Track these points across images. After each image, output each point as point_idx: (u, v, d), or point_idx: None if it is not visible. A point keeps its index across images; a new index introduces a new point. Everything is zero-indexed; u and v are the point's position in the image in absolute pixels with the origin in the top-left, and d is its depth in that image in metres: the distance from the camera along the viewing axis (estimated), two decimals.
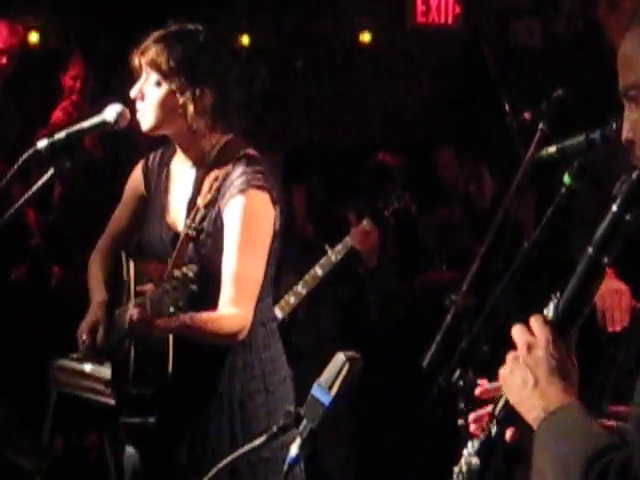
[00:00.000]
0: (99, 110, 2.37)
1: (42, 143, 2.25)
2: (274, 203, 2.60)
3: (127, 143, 4.23)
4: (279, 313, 3.35)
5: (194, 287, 2.40)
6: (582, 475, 1.13)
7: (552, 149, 2.20)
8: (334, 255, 3.62)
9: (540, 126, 2.40)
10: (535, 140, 2.40)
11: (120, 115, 2.34)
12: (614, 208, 1.25)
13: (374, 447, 4.13)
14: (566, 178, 1.90)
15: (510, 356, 1.30)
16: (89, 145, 4.05)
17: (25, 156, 2.26)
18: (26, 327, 4.19)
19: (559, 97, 1.93)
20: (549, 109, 2.39)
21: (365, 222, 3.75)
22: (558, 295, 1.31)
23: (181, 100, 2.55)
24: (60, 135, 2.27)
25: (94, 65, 4.80)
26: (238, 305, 2.47)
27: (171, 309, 2.36)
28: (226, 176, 2.57)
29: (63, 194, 4.60)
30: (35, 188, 2.26)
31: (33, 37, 4.83)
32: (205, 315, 2.49)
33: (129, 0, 5.39)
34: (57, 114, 4.79)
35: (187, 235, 2.53)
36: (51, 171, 2.26)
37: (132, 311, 2.38)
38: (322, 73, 6.58)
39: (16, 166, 2.24)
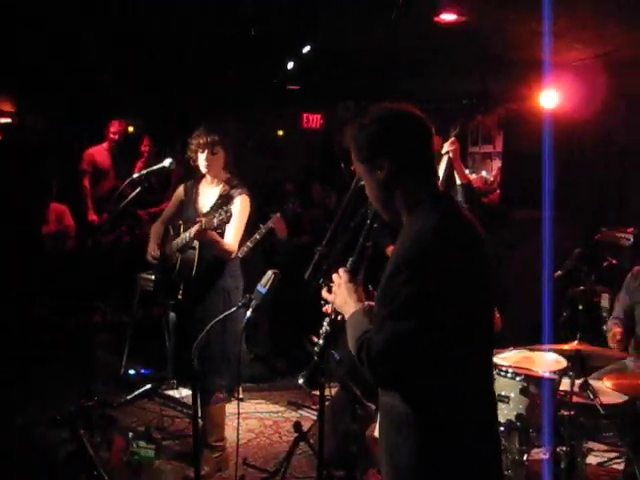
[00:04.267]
0: (160, 162, 4.44)
1: (135, 175, 4.60)
2: (251, 200, 4.40)
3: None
4: (240, 254, 4.69)
5: (222, 219, 4.03)
6: (355, 345, 2.13)
7: (362, 182, 3.19)
8: (264, 229, 5.42)
9: None
10: (355, 179, 3.42)
11: (171, 163, 4.38)
12: (368, 221, 2.44)
13: (284, 324, 6.62)
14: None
15: (333, 289, 2.36)
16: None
17: (127, 181, 4.61)
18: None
19: None
20: None
21: (278, 214, 5.68)
22: (352, 258, 2.41)
23: (225, 158, 4.35)
24: (143, 172, 4.57)
25: (156, 142, 7.67)
26: (232, 242, 4.29)
27: (215, 222, 4.02)
28: (231, 188, 4.36)
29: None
30: (130, 198, 4.59)
31: (130, 128, 7.81)
32: (222, 240, 4.25)
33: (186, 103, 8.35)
34: (138, 165, 7.43)
35: (215, 212, 4.10)
36: (139, 188, 4.55)
37: (196, 227, 4.11)
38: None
39: (124, 185, 4.68)
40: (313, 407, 5.40)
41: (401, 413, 2.14)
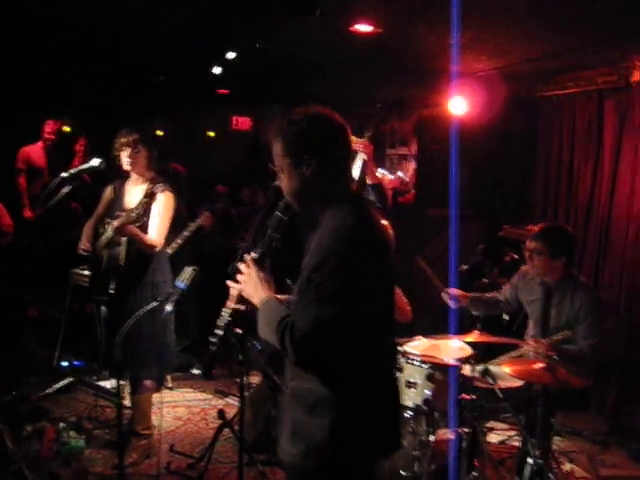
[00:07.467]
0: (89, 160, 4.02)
1: (64, 174, 3.83)
2: (175, 196, 4.31)
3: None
4: (169, 250, 4.85)
5: (139, 212, 4.13)
6: (276, 328, 2.12)
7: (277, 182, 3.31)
8: (193, 226, 5.51)
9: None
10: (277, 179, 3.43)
11: (101, 163, 3.90)
12: (277, 213, 2.40)
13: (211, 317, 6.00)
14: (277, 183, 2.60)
15: (241, 277, 2.35)
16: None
17: (57, 180, 3.82)
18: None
19: None
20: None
21: (207, 212, 5.81)
22: (258, 248, 2.39)
23: (148, 156, 4.27)
24: (72, 171, 3.86)
25: (90, 141, 7.52)
26: (155, 236, 4.18)
27: (133, 215, 4.09)
28: (154, 185, 4.27)
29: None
30: (59, 197, 3.87)
31: (66, 128, 7.62)
32: (144, 234, 4.14)
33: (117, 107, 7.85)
34: (74, 164, 7.23)
35: (134, 207, 4.20)
36: (68, 187, 3.87)
37: (115, 222, 4.06)
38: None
39: (52, 185, 3.81)
40: (238, 395, 5.35)
41: (318, 394, 2.19)
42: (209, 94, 8.54)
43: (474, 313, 4.41)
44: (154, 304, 3.28)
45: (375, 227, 2.25)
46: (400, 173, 8.57)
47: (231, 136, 10.60)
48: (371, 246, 2.15)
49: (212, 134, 10.67)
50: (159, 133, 8.99)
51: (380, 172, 8.63)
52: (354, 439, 2.19)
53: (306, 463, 2.24)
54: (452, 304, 4.28)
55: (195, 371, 5.79)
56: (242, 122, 10.55)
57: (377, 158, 7.13)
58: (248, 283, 2.32)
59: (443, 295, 4.31)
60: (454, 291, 4.30)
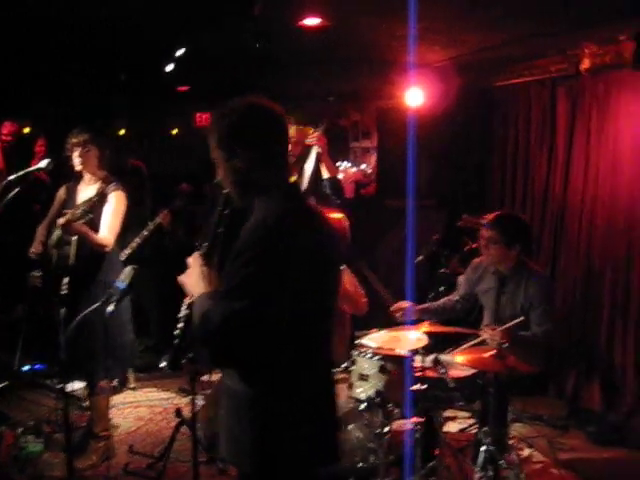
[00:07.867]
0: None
1: (11, 177, 3.90)
2: (127, 196, 4.33)
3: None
4: (128, 250, 4.88)
5: (84, 209, 4.13)
6: (200, 317, 2.06)
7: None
8: (152, 225, 5.30)
9: None
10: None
11: (49, 164, 3.96)
12: (219, 208, 2.40)
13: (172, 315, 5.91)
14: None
15: (188, 272, 2.27)
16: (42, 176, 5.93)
17: (5, 182, 3.88)
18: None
19: None
20: None
21: (166, 211, 5.51)
22: (205, 244, 2.34)
23: (99, 156, 4.30)
24: (20, 173, 3.90)
25: (51, 142, 7.08)
26: (106, 235, 4.20)
27: (78, 213, 4.08)
28: (107, 185, 4.27)
29: None
30: (8, 199, 3.85)
31: (26, 129, 7.45)
32: (93, 233, 4.14)
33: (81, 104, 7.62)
34: (33, 164, 6.58)
35: (80, 204, 4.21)
36: (17, 189, 3.88)
37: (60, 220, 4.05)
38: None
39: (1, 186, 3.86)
40: (202, 393, 5.32)
41: (239, 392, 2.16)
42: (171, 92, 8.48)
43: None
44: (95, 305, 3.24)
45: (307, 218, 2.20)
46: (363, 165, 8.58)
47: (195, 133, 10.49)
48: (298, 236, 2.09)
49: (174, 132, 10.58)
50: (121, 132, 8.90)
51: (344, 165, 8.65)
52: (279, 426, 2.14)
53: (240, 463, 2.22)
54: (404, 318, 4.26)
55: (162, 363, 5.73)
56: (206, 118, 10.46)
57: (341, 151, 7.17)
58: (190, 277, 2.26)
59: (393, 312, 4.28)
60: (403, 305, 4.27)
